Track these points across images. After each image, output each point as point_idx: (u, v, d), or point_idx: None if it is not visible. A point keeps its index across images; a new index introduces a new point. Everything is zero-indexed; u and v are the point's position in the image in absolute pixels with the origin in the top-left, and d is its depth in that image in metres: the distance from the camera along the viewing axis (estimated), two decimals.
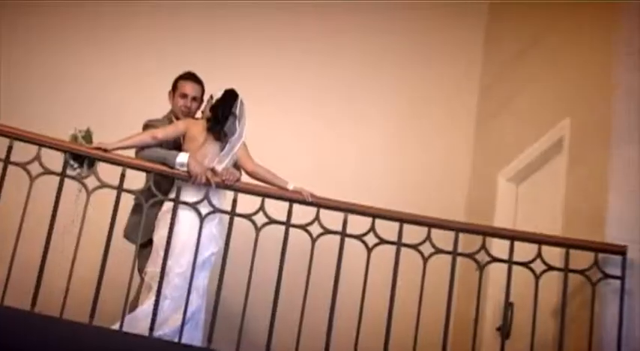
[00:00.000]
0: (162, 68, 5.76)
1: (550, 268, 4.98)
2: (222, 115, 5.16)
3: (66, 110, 6.38)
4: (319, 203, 4.99)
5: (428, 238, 4.95)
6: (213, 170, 5.06)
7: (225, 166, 5.13)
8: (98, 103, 6.55)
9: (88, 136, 4.91)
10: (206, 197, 4.94)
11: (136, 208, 5.15)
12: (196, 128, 5.21)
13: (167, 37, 6.89)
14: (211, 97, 5.28)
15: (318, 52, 7.16)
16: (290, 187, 5.08)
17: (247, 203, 4.98)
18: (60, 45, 6.77)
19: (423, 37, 7.33)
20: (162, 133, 5.13)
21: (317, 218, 4.93)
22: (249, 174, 5.18)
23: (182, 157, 5.02)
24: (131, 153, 5.11)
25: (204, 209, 4.94)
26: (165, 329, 4.82)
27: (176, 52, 6.64)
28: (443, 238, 4.99)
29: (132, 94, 6.57)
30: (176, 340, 4.75)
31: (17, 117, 5.27)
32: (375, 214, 5.00)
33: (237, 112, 5.20)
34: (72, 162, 4.80)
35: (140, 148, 5.08)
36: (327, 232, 4.93)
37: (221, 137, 5.14)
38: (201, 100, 5.45)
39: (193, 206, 4.95)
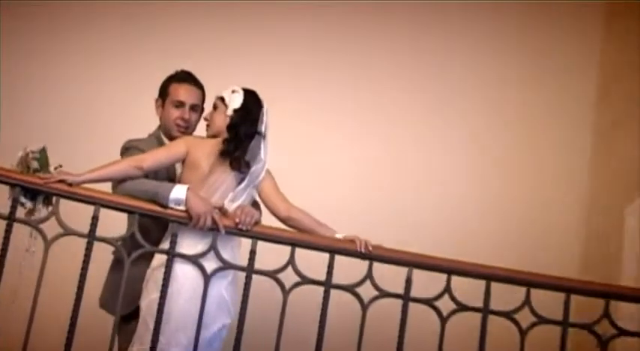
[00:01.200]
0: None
1: None
2: (246, 135, 4.24)
3: (66, 114, 5.98)
4: (372, 255, 4.24)
5: (526, 302, 4.35)
6: (221, 209, 4.16)
7: (240, 203, 4.23)
8: (97, 105, 6.09)
9: (42, 158, 4.05)
10: (213, 248, 4.15)
11: (116, 265, 4.38)
12: (200, 150, 4.25)
13: (173, 36, 6.29)
14: (222, 99, 4.33)
15: (389, 53, 6.40)
16: (339, 237, 4.27)
17: (271, 255, 4.23)
18: (57, 50, 6.24)
19: (524, 38, 6.52)
20: (151, 159, 4.20)
21: (369, 276, 4.21)
22: (283, 220, 4.30)
23: (179, 192, 4.10)
24: (107, 186, 4.28)
25: (211, 264, 4.16)
26: None
27: (183, 52, 5.88)
28: (548, 303, 4.42)
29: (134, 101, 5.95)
30: None
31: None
32: (451, 268, 4.36)
33: (264, 128, 4.28)
34: (22, 199, 3.98)
35: (120, 181, 4.23)
36: (383, 295, 4.25)
37: (242, 167, 4.23)
38: (202, 110, 4.56)
39: (195, 260, 4.14)
